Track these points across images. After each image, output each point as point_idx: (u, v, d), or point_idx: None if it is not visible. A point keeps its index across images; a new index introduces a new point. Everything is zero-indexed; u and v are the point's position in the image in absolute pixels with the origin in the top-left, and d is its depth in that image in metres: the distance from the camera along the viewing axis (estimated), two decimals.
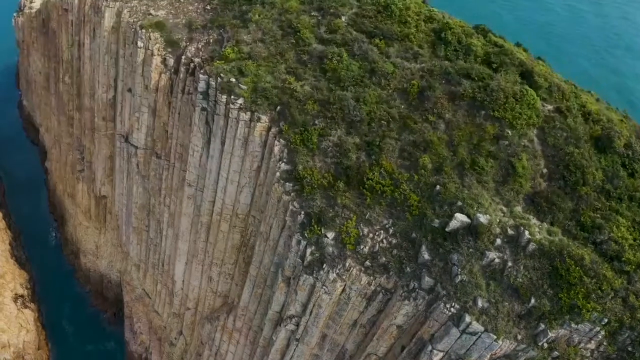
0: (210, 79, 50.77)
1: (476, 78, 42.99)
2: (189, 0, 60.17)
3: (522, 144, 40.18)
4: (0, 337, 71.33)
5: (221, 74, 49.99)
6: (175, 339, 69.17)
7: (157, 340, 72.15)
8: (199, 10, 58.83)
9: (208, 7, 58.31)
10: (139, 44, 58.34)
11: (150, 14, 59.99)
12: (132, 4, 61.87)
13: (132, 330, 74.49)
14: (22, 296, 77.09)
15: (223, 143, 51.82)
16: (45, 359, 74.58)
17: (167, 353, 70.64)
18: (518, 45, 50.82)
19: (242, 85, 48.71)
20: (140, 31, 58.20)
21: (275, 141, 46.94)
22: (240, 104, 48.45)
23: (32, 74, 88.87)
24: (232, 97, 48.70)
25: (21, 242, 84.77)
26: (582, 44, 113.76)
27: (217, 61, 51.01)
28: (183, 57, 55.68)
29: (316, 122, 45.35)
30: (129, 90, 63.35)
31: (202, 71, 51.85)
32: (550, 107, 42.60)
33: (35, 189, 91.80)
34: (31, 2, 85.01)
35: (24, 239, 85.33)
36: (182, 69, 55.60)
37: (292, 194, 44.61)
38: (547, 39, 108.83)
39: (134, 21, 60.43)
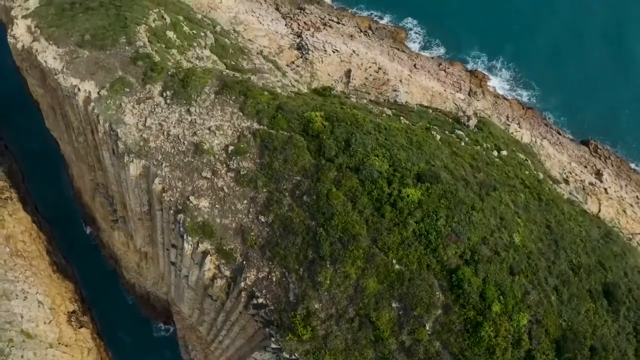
0: (284, 352, 50.24)
1: None
2: (236, 194, 53.31)
3: None
4: None
5: (295, 354, 49.54)
6: None
7: None
8: (250, 216, 52.99)
9: (262, 219, 52.46)
10: (186, 246, 54.38)
11: (190, 200, 53.69)
12: (163, 173, 55.38)
13: (187, 353, 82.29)
14: (74, 312, 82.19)
15: None
16: None
17: None
18: None
19: None
20: (186, 236, 53.49)
21: None
22: None
23: (31, 89, 76.77)
24: None
25: (56, 243, 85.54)
26: None
27: (290, 335, 49.71)
28: (242, 283, 53.14)
29: None
30: (174, 246, 59.68)
31: (273, 338, 50.68)
32: None
33: (54, 167, 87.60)
34: (12, 30, 68.43)
35: (57, 237, 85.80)
36: (244, 294, 53.52)
37: None
38: None
39: (169, 200, 54.38)
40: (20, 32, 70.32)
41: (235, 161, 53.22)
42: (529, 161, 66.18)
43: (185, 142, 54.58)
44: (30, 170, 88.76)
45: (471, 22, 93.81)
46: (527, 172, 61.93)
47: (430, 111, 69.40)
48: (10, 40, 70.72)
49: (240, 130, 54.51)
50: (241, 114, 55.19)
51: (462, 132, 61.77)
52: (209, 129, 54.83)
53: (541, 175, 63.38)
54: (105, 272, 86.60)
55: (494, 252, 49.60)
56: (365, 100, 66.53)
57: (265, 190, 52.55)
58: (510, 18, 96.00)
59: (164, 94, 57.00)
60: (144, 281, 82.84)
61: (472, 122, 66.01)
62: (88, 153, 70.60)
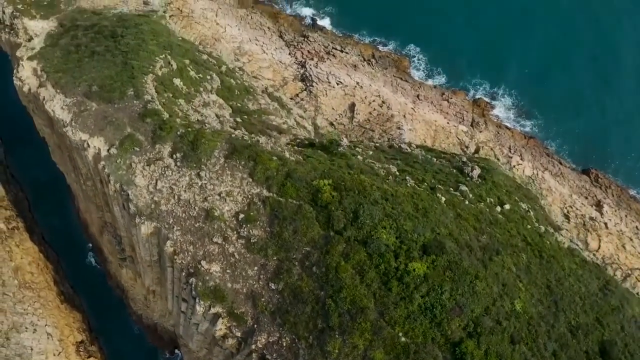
0: None
1: None
2: (247, 260, 54.67)
3: None
4: None
5: None
6: None
7: None
8: (261, 282, 54.42)
9: (273, 286, 53.89)
10: (197, 307, 55.86)
11: (202, 265, 55.10)
12: (175, 236, 56.52)
13: None
14: (82, 342, 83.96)
15: None
16: None
17: None
18: None
19: None
20: (198, 299, 54.91)
21: None
22: None
23: (37, 127, 77.46)
24: None
25: (63, 272, 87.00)
26: None
27: None
28: (253, 345, 54.58)
29: None
30: (184, 300, 61.17)
31: None
32: None
33: (60, 195, 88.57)
34: (17, 72, 68.99)
35: (64, 266, 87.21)
36: (255, 355, 55.13)
37: None
38: None
39: (181, 262, 55.80)
40: (26, 75, 70.86)
41: (245, 229, 54.46)
42: (531, 212, 67.56)
43: (196, 207, 55.72)
44: (37, 198, 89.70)
45: (472, 48, 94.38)
46: (529, 227, 63.35)
47: (435, 159, 70.49)
48: (16, 82, 71.33)
49: (250, 197, 55.63)
50: (250, 180, 56.25)
51: (466, 188, 62.99)
52: (219, 194, 55.92)
53: (542, 229, 64.81)
54: (112, 301, 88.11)
55: (495, 322, 51.28)
56: (370, 152, 67.50)
57: (275, 258, 53.89)
58: (512, 44, 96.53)
59: (174, 155, 57.92)
60: (151, 313, 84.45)
61: (476, 173, 67.22)
62: (96, 195, 71.67)
